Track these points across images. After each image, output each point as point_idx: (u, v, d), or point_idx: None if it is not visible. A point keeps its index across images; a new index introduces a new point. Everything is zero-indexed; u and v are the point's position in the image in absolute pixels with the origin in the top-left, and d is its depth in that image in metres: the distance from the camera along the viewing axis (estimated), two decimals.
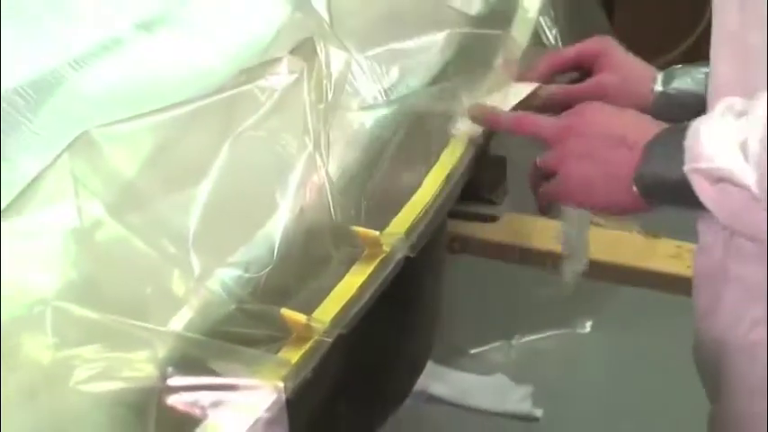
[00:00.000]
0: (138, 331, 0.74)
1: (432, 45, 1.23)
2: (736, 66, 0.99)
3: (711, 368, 1.09)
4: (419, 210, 1.05)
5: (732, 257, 1.04)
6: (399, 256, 0.97)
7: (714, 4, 1.02)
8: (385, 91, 1.15)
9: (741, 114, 0.92)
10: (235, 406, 0.74)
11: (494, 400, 2.34)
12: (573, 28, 1.41)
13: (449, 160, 1.15)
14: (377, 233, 0.97)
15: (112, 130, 0.81)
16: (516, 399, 2.33)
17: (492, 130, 1.21)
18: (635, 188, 1.02)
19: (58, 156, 0.77)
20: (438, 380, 2.33)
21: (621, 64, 1.27)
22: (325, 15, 1.08)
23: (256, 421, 0.74)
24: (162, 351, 0.74)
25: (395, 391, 1.62)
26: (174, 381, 0.73)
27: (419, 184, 1.10)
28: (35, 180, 0.76)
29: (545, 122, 1.15)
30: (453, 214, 1.29)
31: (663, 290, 1.88)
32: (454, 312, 1.76)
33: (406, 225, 1.02)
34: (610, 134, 1.07)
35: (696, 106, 1.12)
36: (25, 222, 0.74)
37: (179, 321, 0.79)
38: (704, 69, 1.17)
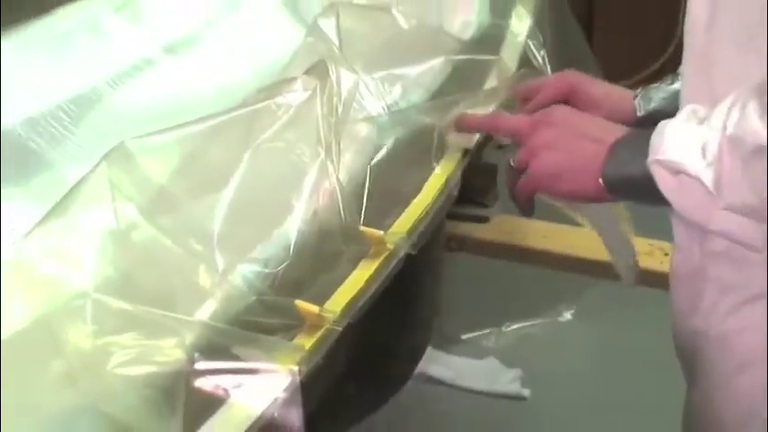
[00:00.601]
0: (168, 321, 0.73)
1: (430, 68, 1.23)
2: (703, 79, 0.98)
3: (689, 355, 1.08)
4: (419, 212, 1.05)
5: (708, 258, 1.02)
6: (402, 253, 0.97)
7: (685, 24, 1.01)
8: (388, 107, 1.15)
9: (703, 120, 0.91)
10: (254, 387, 0.74)
11: (486, 381, 2.34)
12: (558, 51, 1.40)
13: (446, 168, 1.15)
14: (382, 233, 0.97)
15: (145, 142, 0.81)
16: (506, 380, 2.33)
17: (472, 130, 1.20)
18: (601, 181, 1.00)
19: (97, 164, 0.77)
20: (436, 363, 2.32)
21: (598, 98, 1.23)
22: (336, 41, 1.07)
23: (274, 401, 0.74)
24: (189, 338, 0.74)
25: (398, 373, 1.62)
26: (200, 365, 0.73)
27: (419, 189, 1.10)
28: (76, 185, 0.76)
29: (517, 118, 1.13)
30: (450, 216, 1.28)
31: (637, 283, 1.87)
32: (451, 303, 1.76)
33: (408, 225, 1.02)
34: (578, 129, 1.05)
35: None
36: (67, 223, 0.73)
37: (205, 312, 0.79)
38: (677, 84, 1.16)
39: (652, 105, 1.21)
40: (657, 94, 1.22)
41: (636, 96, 1.23)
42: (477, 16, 1.45)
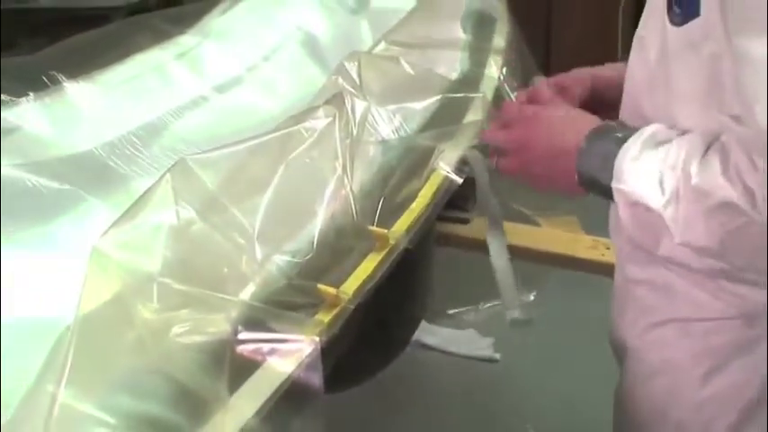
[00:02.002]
0: (217, 300, 0.72)
1: (426, 102, 1.21)
2: (646, 80, 0.89)
3: (617, 352, 1.02)
4: (416, 215, 1.03)
5: (633, 281, 0.95)
6: (401, 247, 0.95)
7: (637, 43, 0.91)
8: (394, 131, 1.12)
9: (661, 144, 0.82)
10: (284, 353, 0.73)
11: (466, 347, 2.33)
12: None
13: (435, 180, 1.12)
14: (386, 231, 0.95)
15: (201, 158, 0.79)
16: (482, 347, 2.32)
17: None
18: (578, 182, 0.90)
19: (162, 175, 0.75)
20: (428, 333, 2.31)
21: (612, 77, 1.03)
22: (357, 79, 1.06)
23: (299, 364, 0.72)
24: (233, 314, 0.73)
25: (398, 341, 1.61)
26: (242, 335, 0.71)
27: (416, 197, 1.07)
28: (145, 192, 0.74)
29: (499, 134, 1.01)
30: (439, 218, 1.26)
31: (584, 270, 1.85)
32: (439, 286, 1.76)
33: (407, 225, 1.00)
34: (552, 147, 0.92)
35: None
36: (138, 221, 0.72)
37: (246, 293, 0.77)
38: None
39: None
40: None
41: None
42: (459, 64, 1.43)
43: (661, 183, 0.80)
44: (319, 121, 0.88)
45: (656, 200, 0.80)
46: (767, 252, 0.75)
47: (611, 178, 0.85)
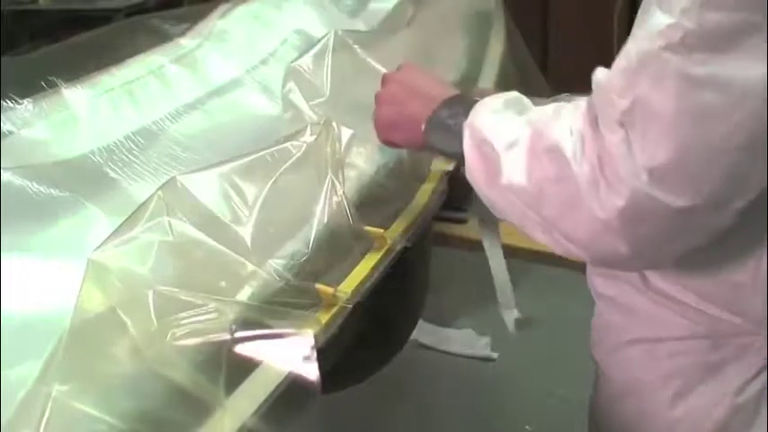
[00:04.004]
0: (214, 302, 0.72)
1: None
2: None
3: (595, 364, 0.98)
4: (413, 215, 1.04)
5: (600, 298, 0.93)
6: (399, 247, 0.95)
7: None
8: None
9: (522, 112, 0.82)
10: (282, 353, 0.73)
11: (464, 346, 2.32)
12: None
13: (431, 184, 1.12)
14: (383, 231, 0.95)
15: (190, 177, 0.78)
16: (480, 346, 2.31)
17: None
18: (423, 128, 0.90)
19: (155, 191, 0.75)
20: (425, 332, 2.31)
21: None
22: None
23: (297, 363, 0.72)
24: (230, 316, 0.72)
25: (396, 340, 1.60)
26: (240, 336, 0.71)
27: (413, 198, 1.08)
28: (140, 206, 0.74)
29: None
30: (436, 218, 1.27)
31: (581, 271, 1.85)
32: (437, 286, 1.76)
33: (404, 226, 1.00)
34: (415, 86, 0.93)
35: None
36: (134, 234, 0.72)
37: (243, 295, 0.77)
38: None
39: None
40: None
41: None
42: (457, 65, 1.43)
43: (509, 130, 0.79)
44: (306, 138, 0.88)
45: (499, 141, 0.79)
46: (571, 212, 0.73)
47: (459, 123, 0.84)
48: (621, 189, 0.69)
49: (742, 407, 0.84)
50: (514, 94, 0.85)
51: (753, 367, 0.84)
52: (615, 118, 0.69)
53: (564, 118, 0.75)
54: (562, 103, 0.78)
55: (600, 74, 0.73)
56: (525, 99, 0.85)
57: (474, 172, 0.83)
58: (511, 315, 1.28)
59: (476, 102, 0.86)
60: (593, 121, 0.72)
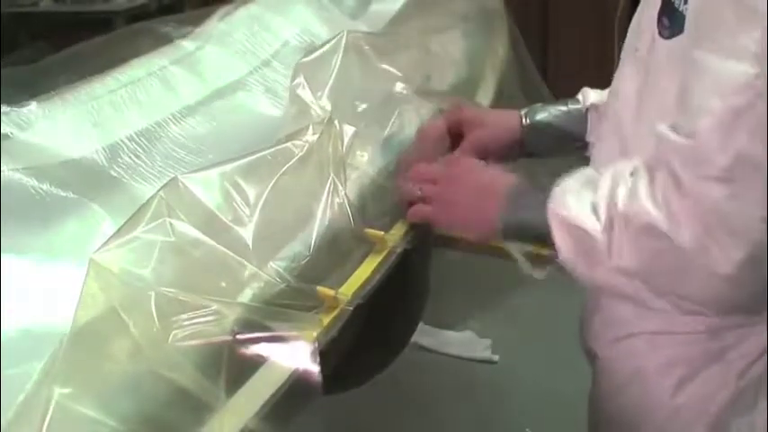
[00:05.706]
0: (214, 304, 0.72)
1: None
2: (635, 93, 0.88)
3: (589, 356, 1.00)
4: None
5: (598, 291, 0.94)
6: (399, 249, 0.95)
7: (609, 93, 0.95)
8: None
9: (593, 180, 0.82)
10: (283, 354, 0.73)
11: (464, 349, 2.33)
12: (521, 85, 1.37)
13: None
14: (383, 234, 0.95)
15: (191, 176, 0.78)
16: (480, 348, 2.31)
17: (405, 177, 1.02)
18: (499, 225, 0.89)
19: (157, 192, 0.75)
20: (426, 335, 2.31)
21: (484, 117, 1.10)
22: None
23: (297, 364, 0.73)
24: (231, 317, 0.72)
25: (396, 343, 1.60)
26: (241, 337, 0.71)
27: None
28: (141, 207, 0.74)
29: (435, 169, 0.99)
30: None
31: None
32: (437, 288, 1.75)
33: (404, 228, 1.00)
34: (479, 185, 0.93)
35: (553, 132, 1.06)
36: (136, 235, 0.72)
37: (244, 297, 0.77)
38: (560, 107, 1.08)
39: (536, 117, 1.08)
40: (541, 109, 1.09)
41: (522, 112, 1.10)
42: (458, 68, 1.43)
43: (595, 211, 0.80)
44: (308, 137, 0.88)
45: (592, 226, 0.80)
46: (686, 276, 0.75)
47: (541, 213, 0.84)
48: (739, 243, 0.72)
49: (744, 390, 0.86)
50: (586, 172, 0.86)
51: (755, 350, 0.85)
52: (713, 175, 0.72)
53: (640, 192, 0.77)
54: (618, 170, 0.80)
55: (672, 135, 0.75)
56: (591, 172, 0.86)
57: (571, 257, 0.83)
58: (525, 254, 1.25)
59: (536, 188, 0.86)
60: (673, 184, 0.74)
